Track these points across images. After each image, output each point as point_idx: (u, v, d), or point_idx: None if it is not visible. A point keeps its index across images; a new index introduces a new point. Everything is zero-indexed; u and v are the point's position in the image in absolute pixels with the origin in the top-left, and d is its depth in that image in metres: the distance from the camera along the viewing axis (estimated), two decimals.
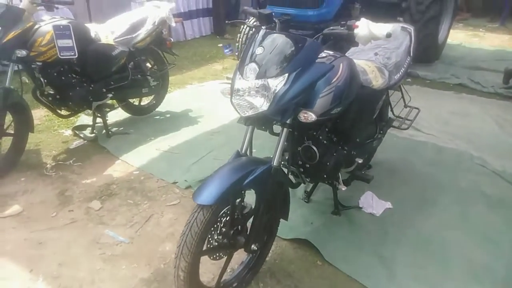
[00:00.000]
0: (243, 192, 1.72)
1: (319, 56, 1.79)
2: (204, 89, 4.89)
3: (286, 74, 1.54)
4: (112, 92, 3.39)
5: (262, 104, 1.55)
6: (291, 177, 2.22)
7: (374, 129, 2.52)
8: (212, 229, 1.65)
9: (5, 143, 2.94)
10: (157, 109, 4.05)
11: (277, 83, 1.53)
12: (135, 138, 3.48)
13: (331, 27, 1.71)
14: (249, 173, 1.61)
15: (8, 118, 2.84)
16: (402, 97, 2.81)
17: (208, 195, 1.50)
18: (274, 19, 1.79)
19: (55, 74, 2.97)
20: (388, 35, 1.55)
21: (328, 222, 2.42)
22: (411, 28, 2.68)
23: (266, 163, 1.70)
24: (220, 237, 1.69)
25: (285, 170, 2.04)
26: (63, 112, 3.24)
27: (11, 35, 2.61)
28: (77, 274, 2.04)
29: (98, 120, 3.49)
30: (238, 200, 1.73)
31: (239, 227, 1.76)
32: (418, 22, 5.43)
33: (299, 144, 1.99)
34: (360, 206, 2.54)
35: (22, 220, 2.44)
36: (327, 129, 2.04)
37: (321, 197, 2.64)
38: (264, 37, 1.62)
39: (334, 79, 1.75)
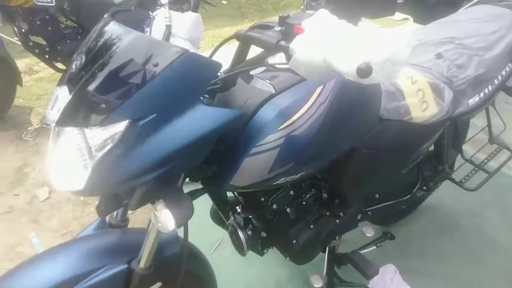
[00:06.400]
0: None
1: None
2: None
3: (122, 124, 0.69)
4: None
5: (75, 176, 0.74)
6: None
7: (413, 178, 1.52)
8: None
9: None
10: None
11: (101, 140, 0.71)
12: None
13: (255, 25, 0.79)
14: (90, 273, 0.90)
15: None
16: (488, 125, 1.69)
17: None
18: None
19: (38, 23, 2.47)
20: (366, 72, 0.59)
21: None
22: None
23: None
24: None
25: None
26: (59, 65, 2.79)
27: None
28: None
29: None
30: None
31: None
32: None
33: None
34: (370, 287, 1.66)
35: None
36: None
37: None
38: (102, 34, 0.78)
39: (288, 123, 0.87)
